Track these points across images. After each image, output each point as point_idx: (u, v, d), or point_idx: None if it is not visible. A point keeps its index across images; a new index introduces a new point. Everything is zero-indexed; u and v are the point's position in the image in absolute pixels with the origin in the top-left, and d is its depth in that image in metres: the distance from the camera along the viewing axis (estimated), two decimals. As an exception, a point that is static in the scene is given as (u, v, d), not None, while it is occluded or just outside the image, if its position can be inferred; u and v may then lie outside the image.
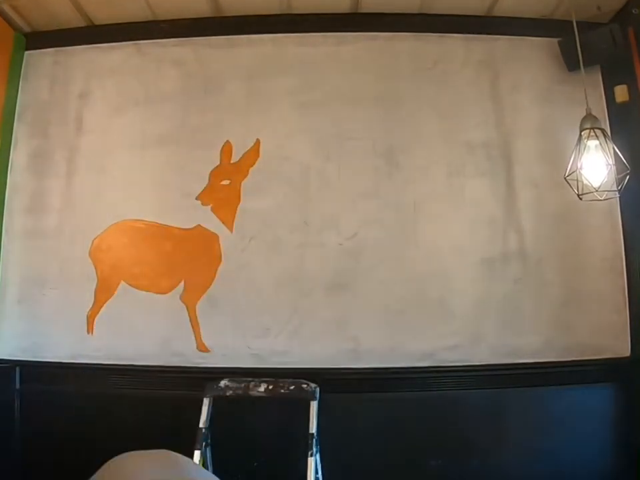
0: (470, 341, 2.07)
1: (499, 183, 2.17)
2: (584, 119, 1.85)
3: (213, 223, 2.13)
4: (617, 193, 1.81)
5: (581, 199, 1.84)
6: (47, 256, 2.16)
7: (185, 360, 2.05)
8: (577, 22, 1.94)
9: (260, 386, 1.77)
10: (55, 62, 2.31)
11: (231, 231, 2.13)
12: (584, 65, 1.92)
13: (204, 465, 1.72)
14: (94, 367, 2.07)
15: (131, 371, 2.06)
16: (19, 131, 2.27)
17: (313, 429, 1.73)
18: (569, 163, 1.84)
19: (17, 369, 2.08)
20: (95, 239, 2.16)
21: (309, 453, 1.70)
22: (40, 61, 2.32)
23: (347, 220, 2.13)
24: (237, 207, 2.13)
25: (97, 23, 2.33)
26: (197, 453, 1.71)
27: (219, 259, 2.11)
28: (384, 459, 1.99)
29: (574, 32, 1.93)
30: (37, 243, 2.18)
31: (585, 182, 1.81)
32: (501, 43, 2.27)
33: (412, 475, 1.99)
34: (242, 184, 2.15)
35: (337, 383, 1.95)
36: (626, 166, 1.77)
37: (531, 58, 2.25)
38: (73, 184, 2.21)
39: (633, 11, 2.08)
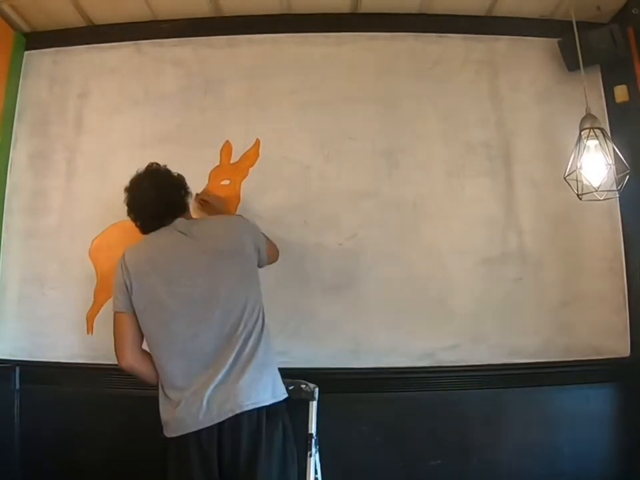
0: (470, 341, 2.07)
1: (499, 182, 2.17)
2: (583, 119, 1.85)
3: (212, 223, 2.13)
4: (616, 192, 1.81)
5: (580, 198, 1.85)
6: (47, 256, 2.16)
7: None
8: (577, 22, 1.94)
9: (260, 386, 1.77)
10: (54, 62, 2.31)
11: (231, 231, 2.12)
12: (584, 65, 1.92)
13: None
14: (94, 367, 2.07)
15: (130, 371, 2.06)
16: (19, 130, 2.26)
17: (313, 429, 1.73)
18: (568, 163, 1.84)
19: (17, 369, 2.07)
20: (94, 239, 2.15)
21: (309, 453, 1.70)
22: (40, 61, 2.32)
23: (347, 220, 2.13)
24: (236, 207, 2.13)
25: (96, 23, 2.33)
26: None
27: (218, 258, 2.11)
28: (383, 459, 1.99)
29: (574, 32, 1.93)
30: (36, 243, 2.17)
31: (585, 182, 1.81)
32: (501, 43, 2.27)
33: (411, 475, 1.99)
34: (242, 184, 2.15)
35: (336, 383, 1.95)
36: (626, 166, 1.77)
37: (531, 58, 2.25)
38: (73, 184, 2.21)
39: (633, 11, 2.08)
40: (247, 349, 1.47)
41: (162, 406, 1.51)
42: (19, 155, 2.25)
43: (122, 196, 2.15)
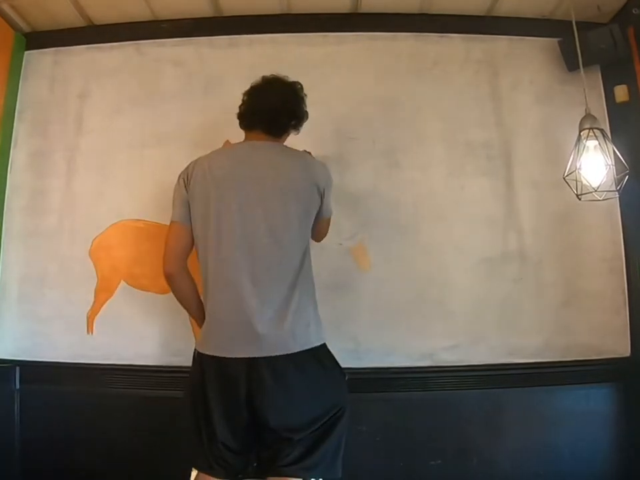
0: (470, 341, 2.07)
1: (499, 183, 2.17)
2: (583, 119, 1.85)
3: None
4: (616, 193, 1.81)
5: (580, 199, 1.84)
6: (47, 256, 2.16)
7: (185, 360, 2.03)
8: (576, 22, 1.94)
9: (260, 386, 1.76)
10: (54, 62, 2.31)
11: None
12: (584, 65, 1.92)
13: None
14: (94, 367, 2.07)
15: (130, 371, 2.06)
16: (19, 130, 2.26)
17: (313, 429, 1.73)
18: (568, 163, 1.84)
19: (17, 369, 2.07)
20: (94, 238, 2.16)
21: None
22: (40, 61, 2.32)
23: (347, 220, 2.13)
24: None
25: (96, 23, 2.33)
26: None
27: (218, 258, 2.11)
28: (383, 459, 2.00)
29: (574, 32, 1.93)
30: (36, 243, 2.18)
31: (584, 182, 1.81)
32: (501, 43, 2.27)
33: (411, 475, 1.99)
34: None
35: (336, 383, 1.95)
36: (625, 166, 1.77)
37: (530, 58, 2.25)
38: (73, 184, 2.21)
39: (633, 11, 2.08)
40: (292, 291, 1.46)
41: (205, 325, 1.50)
42: (19, 154, 2.25)
43: (122, 196, 2.18)
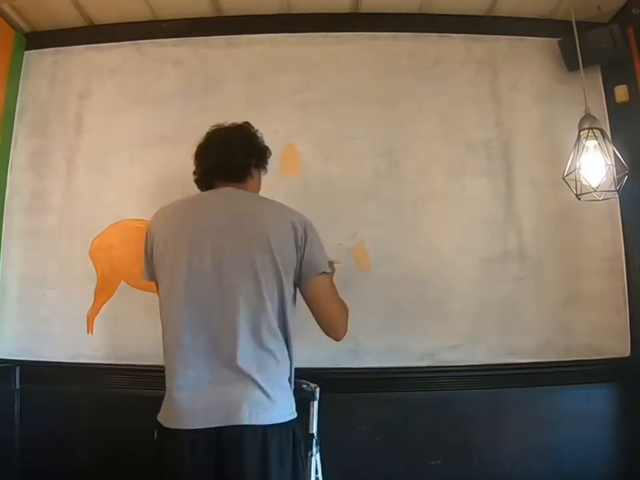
0: (470, 340, 2.07)
1: (499, 182, 2.17)
2: (583, 119, 1.86)
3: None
4: (615, 193, 1.81)
5: (579, 198, 1.85)
6: (47, 255, 2.16)
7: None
8: (576, 22, 1.94)
9: (260, 386, 1.77)
10: (54, 62, 2.31)
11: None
12: (584, 65, 1.92)
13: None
14: (94, 367, 2.07)
15: (131, 371, 2.06)
16: (19, 130, 2.27)
17: (313, 429, 1.73)
18: (567, 163, 1.84)
19: (17, 369, 2.07)
20: (94, 238, 2.16)
21: (309, 453, 1.69)
22: (40, 61, 2.32)
23: (347, 220, 2.13)
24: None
25: (96, 22, 2.33)
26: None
27: (218, 258, 2.11)
28: (384, 459, 1.99)
29: (574, 32, 1.93)
30: (36, 243, 2.18)
31: (584, 182, 1.81)
32: (501, 43, 2.27)
33: (412, 475, 1.99)
34: (242, 184, 2.15)
35: (336, 383, 1.95)
36: (625, 166, 1.77)
37: (531, 58, 2.25)
38: (73, 184, 2.21)
39: (633, 11, 2.08)
40: (259, 350, 1.28)
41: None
42: (19, 154, 2.25)
43: (122, 196, 2.18)
